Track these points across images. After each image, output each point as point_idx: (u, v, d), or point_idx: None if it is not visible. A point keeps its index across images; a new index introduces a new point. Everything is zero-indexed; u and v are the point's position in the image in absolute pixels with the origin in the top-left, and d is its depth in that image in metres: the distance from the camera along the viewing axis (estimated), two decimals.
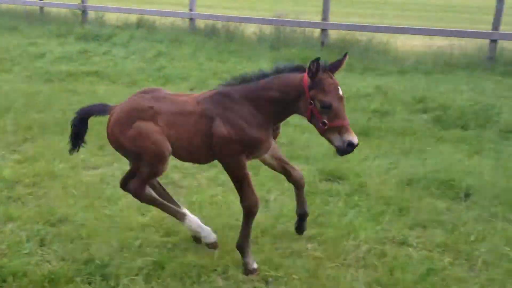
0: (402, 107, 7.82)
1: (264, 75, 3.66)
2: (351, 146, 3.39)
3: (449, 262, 3.91)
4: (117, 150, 3.92)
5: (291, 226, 4.25)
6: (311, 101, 3.44)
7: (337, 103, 3.40)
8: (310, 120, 3.52)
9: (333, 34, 11.71)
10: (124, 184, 3.96)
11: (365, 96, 8.30)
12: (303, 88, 3.46)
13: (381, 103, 7.93)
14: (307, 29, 12.06)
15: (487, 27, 10.50)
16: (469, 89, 8.55)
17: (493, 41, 10.03)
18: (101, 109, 3.95)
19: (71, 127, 3.98)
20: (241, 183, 3.71)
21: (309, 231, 4.23)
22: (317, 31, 11.82)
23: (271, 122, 3.67)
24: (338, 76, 3.53)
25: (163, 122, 3.68)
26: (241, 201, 3.75)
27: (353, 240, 4.10)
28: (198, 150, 3.73)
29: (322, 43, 11.43)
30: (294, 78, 3.54)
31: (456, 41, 11.59)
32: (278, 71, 3.63)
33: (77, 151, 4.06)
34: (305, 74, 3.48)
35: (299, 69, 3.60)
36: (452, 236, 4.25)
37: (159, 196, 4.01)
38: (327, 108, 3.39)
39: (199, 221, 3.94)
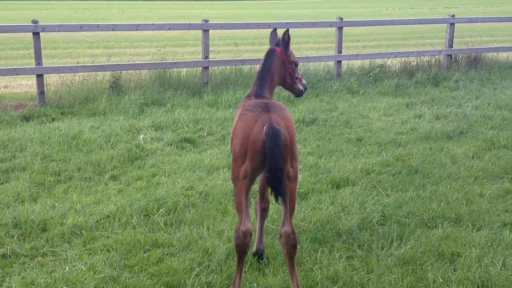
0: None
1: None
2: (305, 88, 4.55)
3: None
4: (283, 162, 3.47)
5: None
6: (289, 66, 4.34)
7: None
8: (285, 82, 4.40)
9: None
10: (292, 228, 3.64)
11: None
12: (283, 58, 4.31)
13: None
14: None
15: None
16: None
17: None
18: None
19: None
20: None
21: None
22: None
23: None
24: None
25: None
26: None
27: None
28: None
29: None
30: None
31: None
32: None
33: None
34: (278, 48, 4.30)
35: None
36: None
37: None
38: (297, 65, 4.46)
39: None
